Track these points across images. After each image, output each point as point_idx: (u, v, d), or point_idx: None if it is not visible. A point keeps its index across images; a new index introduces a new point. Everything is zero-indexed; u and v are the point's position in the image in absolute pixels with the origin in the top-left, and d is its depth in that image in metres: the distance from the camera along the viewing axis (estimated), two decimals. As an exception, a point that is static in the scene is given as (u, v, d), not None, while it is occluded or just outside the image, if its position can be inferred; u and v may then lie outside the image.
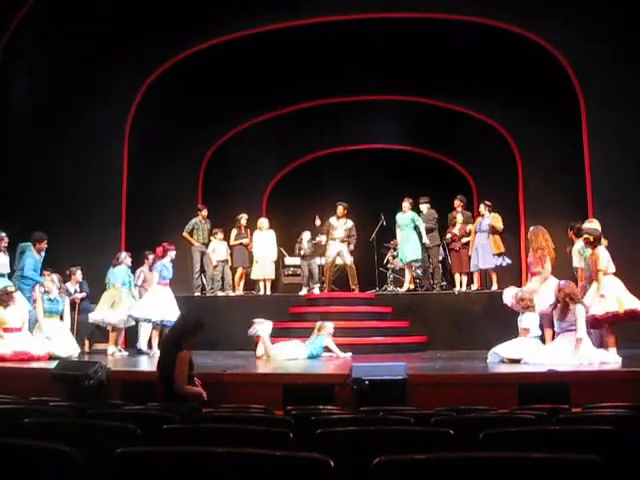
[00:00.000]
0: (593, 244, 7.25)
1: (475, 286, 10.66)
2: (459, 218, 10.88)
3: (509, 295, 7.94)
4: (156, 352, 8.51)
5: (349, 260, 10.91)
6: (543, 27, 10.16)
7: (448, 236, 11.04)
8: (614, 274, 7.23)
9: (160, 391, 4.90)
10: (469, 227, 10.75)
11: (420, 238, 10.81)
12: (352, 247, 10.99)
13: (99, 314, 8.98)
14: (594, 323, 6.98)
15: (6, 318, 7.76)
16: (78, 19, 10.06)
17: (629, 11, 9.63)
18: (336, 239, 10.91)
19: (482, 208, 10.59)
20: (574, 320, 6.61)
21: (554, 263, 7.94)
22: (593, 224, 7.97)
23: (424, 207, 11.18)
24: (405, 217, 10.91)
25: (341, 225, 10.94)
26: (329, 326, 8.45)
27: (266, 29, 10.65)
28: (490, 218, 10.35)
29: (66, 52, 10.31)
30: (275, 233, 11.64)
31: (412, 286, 11.13)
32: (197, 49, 10.92)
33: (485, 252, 10.25)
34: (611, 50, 9.91)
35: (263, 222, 11.65)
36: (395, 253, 11.76)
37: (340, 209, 10.95)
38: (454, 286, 10.94)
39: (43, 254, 8.71)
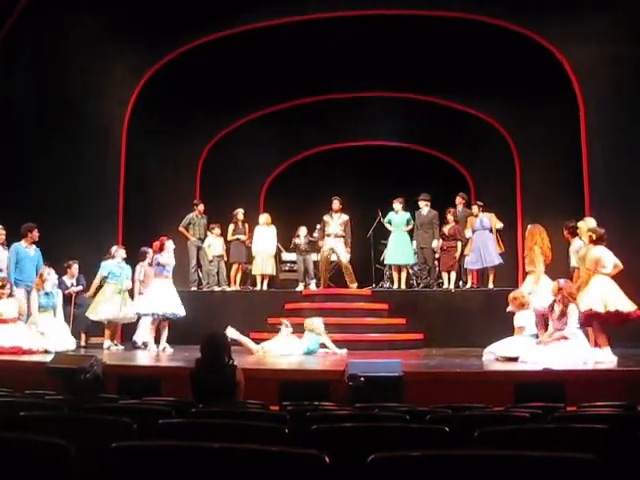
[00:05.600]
0: (594, 242, 7.25)
1: (469, 284, 10.67)
2: (449, 217, 10.81)
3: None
4: (152, 346, 8.51)
5: (344, 258, 10.62)
6: (542, 25, 10.15)
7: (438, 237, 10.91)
8: (611, 276, 7.21)
9: None
10: (468, 231, 10.67)
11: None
12: (348, 248, 10.68)
13: (91, 315, 9.10)
14: (583, 321, 6.97)
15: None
16: (77, 14, 10.01)
17: (629, 10, 9.62)
18: (331, 235, 10.67)
19: (475, 209, 10.61)
20: (570, 319, 6.62)
21: (550, 262, 7.93)
22: (587, 223, 7.96)
23: (423, 205, 10.95)
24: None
25: (336, 219, 10.71)
26: (318, 323, 8.43)
27: (265, 25, 10.62)
28: (488, 218, 10.38)
29: (65, 47, 10.27)
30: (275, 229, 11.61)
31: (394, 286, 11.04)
32: (196, 44, 10.89)
33: (487, 249, 10.25)
34: (610, 49, 9.90)
35: (265, 218, 11.60)
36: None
37: (336, 203, 10.75)
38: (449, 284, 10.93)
39: (34, 246, 8.75)
